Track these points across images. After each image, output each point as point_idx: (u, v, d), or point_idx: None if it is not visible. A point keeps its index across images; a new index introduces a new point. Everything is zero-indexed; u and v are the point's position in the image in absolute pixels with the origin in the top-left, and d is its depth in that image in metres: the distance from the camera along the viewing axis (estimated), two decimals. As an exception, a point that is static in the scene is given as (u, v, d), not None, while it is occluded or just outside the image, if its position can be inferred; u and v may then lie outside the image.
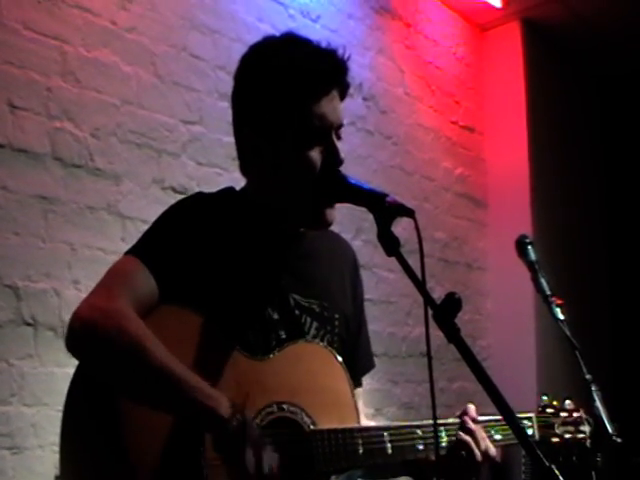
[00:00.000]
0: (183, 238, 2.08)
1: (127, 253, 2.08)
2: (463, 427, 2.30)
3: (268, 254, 2.21)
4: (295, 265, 2.26)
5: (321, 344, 2.21)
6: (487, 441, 2.31)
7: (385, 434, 2.20)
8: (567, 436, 2.59)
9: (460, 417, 2.33)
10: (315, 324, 2.24)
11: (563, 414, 2.63)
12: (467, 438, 2.28)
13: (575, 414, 2.63)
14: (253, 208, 2.22)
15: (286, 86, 2.09)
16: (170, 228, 2.13)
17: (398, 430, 2.23)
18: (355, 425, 2.19)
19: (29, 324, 3.21)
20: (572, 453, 2.58)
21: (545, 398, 2.67)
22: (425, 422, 2.27)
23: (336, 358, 2.22)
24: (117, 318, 1.91)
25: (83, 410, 1.97)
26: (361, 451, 2.13)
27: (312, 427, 2.09)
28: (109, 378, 1.95)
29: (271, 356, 2.11)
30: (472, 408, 2.36)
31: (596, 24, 6.23)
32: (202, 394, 1.87)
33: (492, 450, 2.31)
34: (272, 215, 2.21)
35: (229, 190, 2.30)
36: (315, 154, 2.09)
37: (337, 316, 2.30)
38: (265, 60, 2.15)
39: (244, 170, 2.25)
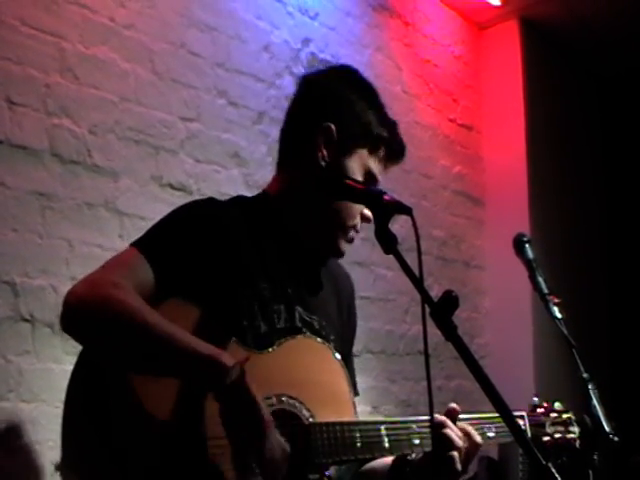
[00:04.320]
0: (189, 236, 2.10)
1: (130, 245, 2.10)
2: (441, 425, 2.30)
3: (278, 261, 2.23)
4: (301, 278, 2.28)
5: (319, 340, 2.22)
6: (470, 428, 2.31)
7: (382, 428, 2.21)
8: (557, 436, 2.62)
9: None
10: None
11: (553, 415, 2.65)
12: (446, 431, 2.28)
13: (565, 415, 2.66)
14: (270, 213, 2.26)
15: (362, 131, 2.29)
16: (176, 225, 2.14)
17: (394, 424, 2.24)
18: (353, 419, 2.20)
19: (27, 320, 3.20)
20: (562, 453, 2.60)
21: (536, 399, 2.69)
22: (421, 417, 2.28)
23: (334, 355, 2.23)
24: (112, 290, 1.93)
25: (88, 390, 1.97)
26: (359, 444, 2.15)
27: (311, 420, 2.10)
28: (109, 349, 1.96)
29: (270, 350, 2.12)
30: (454, 407, 2.35)
31: (594, 22, 6.23)
32: (205, 348, 1.90)
33: (478, 438, 2.32)
34: (290, 222, 2.25)
35: (241, 197, 2.38)
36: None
37: (333, 337, 2.32)
38: (360, 95, 2.35)
39: (285, 164, 2.33)
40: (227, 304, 2.08)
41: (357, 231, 2.36)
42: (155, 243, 2.08)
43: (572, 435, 2.62)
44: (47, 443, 3.18)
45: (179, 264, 2.05)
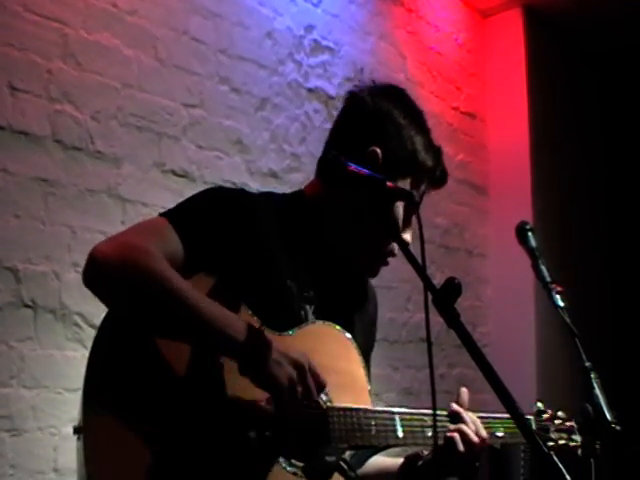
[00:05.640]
0: (220, 217, 2.08)
1: (159, 215, 2.08)
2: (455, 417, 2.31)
3: (303, 262, 2.22)
4: (324, 284, 2.27)
5: (339, 328, 2.23)
6: (478, 422, 2.32)
7: (397, 418, 2.22)
8: (561, 442, 2.63)
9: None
10: None
11: (557, 421, 2.67)
12: (460, 426, 2.28)
13: (568, 423, 2.67)
14: (305, 214, 2.26)
15: (408, 160, 2.28)
16: (209, 205, 2.11)
17: (409, 415, 2.26)
18: (369, 407, 2.21)
19: (29, 306, 3.21)
20: (564, 459, 2.60)
21: (539, 405, 2.70)
22: (438, 412, 2.28)
23: (353, 343, 2.24)
24: (143, 255, 1.90)
25: (111, 349, 1.94)
26: (374, 432, 2.16)
27: (329, 404, 2.10)
28: (132, 311, 1.94)
29: (290, 332, 2.12)
30: (464, 391, 2.36)
31: (598, 10, 6.21)
32: (234, 329, 1.90)
33: (483, 432, 2.32)
34: (327, 229, 2.26)
35: (273, 193, 2.37)
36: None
37: None
38: (409, 120, 2.33)
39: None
40: (254, 293, 2.08)
41: (394, 255, 2.35)
42: (186, 217, 2.06)
43: (574, 443, 2.64)
44: (49, 429, 3.19)
45: (209, 242, 2.03)
